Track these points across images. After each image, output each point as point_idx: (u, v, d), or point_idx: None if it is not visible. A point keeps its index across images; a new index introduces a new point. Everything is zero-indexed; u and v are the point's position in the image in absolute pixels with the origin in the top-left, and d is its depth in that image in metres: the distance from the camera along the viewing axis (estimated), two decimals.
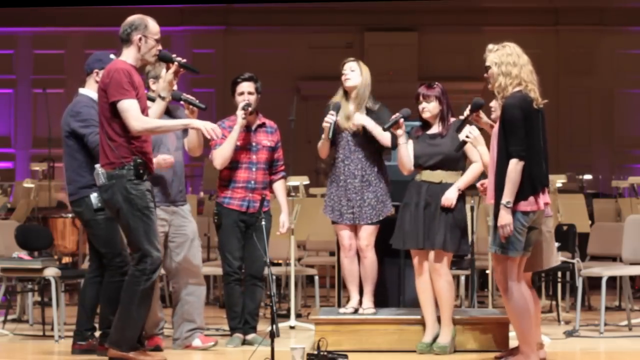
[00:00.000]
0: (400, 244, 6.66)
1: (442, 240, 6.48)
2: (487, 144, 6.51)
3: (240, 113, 6.98)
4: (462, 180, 6.60)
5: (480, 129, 6.38)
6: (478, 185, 6.49)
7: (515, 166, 5.76)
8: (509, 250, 5.79)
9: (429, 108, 6.68)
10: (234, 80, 7.14)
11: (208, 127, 6.10)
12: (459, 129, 6.32)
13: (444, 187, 6.58)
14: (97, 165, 5.99)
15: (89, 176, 6.34)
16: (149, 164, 6.04)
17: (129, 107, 5.87)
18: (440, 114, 6.70)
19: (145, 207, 5.93)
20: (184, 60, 6.21)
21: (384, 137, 6.84)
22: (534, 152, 5.80)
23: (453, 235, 6.52)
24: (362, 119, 6.88)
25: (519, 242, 5.80)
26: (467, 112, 6.20)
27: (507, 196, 5.75)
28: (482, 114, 6.26)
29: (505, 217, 5.75)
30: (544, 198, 5.89)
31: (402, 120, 6.59)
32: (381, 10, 18.29)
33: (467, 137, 6.30)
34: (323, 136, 6.88)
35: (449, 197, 6.53)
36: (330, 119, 6.84)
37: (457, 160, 6.64)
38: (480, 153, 6.38)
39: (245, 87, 7.09)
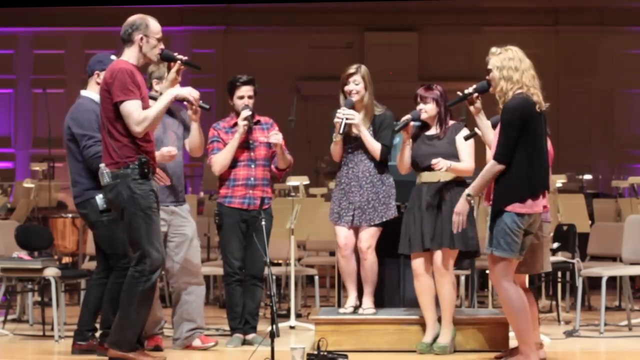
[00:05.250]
0: (406, 249, 6.64)
1: (449, 238, 6.48)
2: (478, 151, 6.54)
3: (242, 123, 6.96)
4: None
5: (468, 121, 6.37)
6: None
7: (492, 167, 5.78)
8: (506, 251, 5.78)
9: (427, 110, 6.68)
10: (232, 83, 7.09)
11: (194, 94, 6.23)
12: (456, 103, 6.31)
13: (442, 185, 6.58)
14: (102, 165, 5.98)
15: (93, 178, 6.33)
16: (153, 162, 6.04)
17: (132, 110, 5.85)
18: (438, 116, 6.70)
19: (148, 207, 5.92)
20: (186, 58, 6.22)
21: (375, 150, 6.84)
22: (535, 155, 5.78)
23: (461, 232, 6.50)
24: (361, 129, 6.82)
25: (516, 244, 5.78)
26: (470, 89, 6.13)
27: (473, 189, 5.88)
28: (479, 100, 6.16)
29: (461, 206, 5.95)
30: (543, 202, 5.87)
31: (412, 123, 6.60)
32: (381, 10, 18.27)
33: (475, 131, 6.30)
34: (334, 135, 6.83)
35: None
36: (342, 114, 6.82)
37: (454, 160, 6.62)
38: (484, 124, 6.21)
39: (245, 91, 7.06)
